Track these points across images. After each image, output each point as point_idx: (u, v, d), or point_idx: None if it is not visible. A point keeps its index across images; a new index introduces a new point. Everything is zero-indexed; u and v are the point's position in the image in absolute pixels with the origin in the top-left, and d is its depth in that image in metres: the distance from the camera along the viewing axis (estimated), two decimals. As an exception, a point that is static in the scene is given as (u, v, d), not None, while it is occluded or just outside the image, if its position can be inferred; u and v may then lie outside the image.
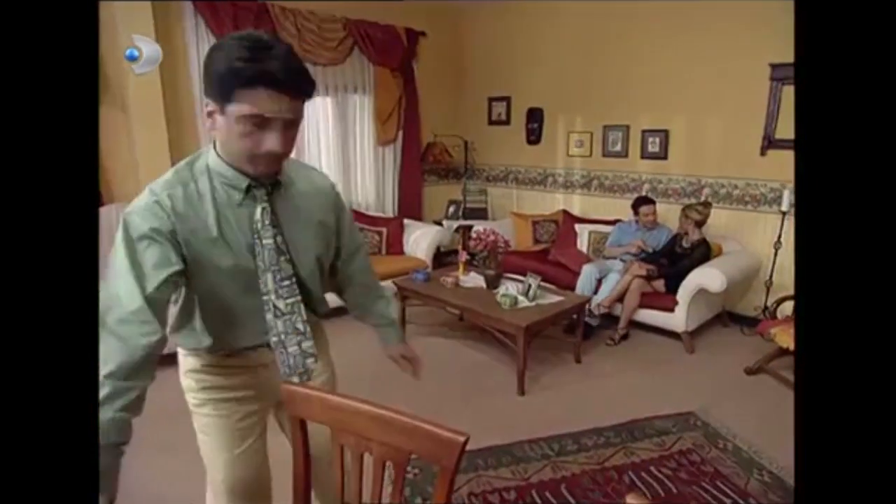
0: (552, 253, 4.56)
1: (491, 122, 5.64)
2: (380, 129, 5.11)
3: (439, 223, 5.36)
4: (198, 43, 3.93)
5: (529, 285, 3.42)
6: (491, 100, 5.58)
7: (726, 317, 4.11)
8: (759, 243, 3.96)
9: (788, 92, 3.64)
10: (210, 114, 1.02)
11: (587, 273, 4.01)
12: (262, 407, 1.33)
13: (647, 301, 3.78)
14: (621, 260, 4.13)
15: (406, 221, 4.93)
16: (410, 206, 5.42)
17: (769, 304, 3.88)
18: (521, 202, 5.50)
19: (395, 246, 4.80)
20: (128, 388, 0.94)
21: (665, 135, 4.35)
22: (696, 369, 3.46)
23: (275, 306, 1.17)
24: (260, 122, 0.98)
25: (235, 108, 0.97)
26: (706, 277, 3.51)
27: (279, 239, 1.14)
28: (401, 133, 5.28)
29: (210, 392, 1.27)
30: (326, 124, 4.87)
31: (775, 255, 3.82)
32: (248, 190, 1.09)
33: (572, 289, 4.02)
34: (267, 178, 1.10)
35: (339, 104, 4.91)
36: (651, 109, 4.40)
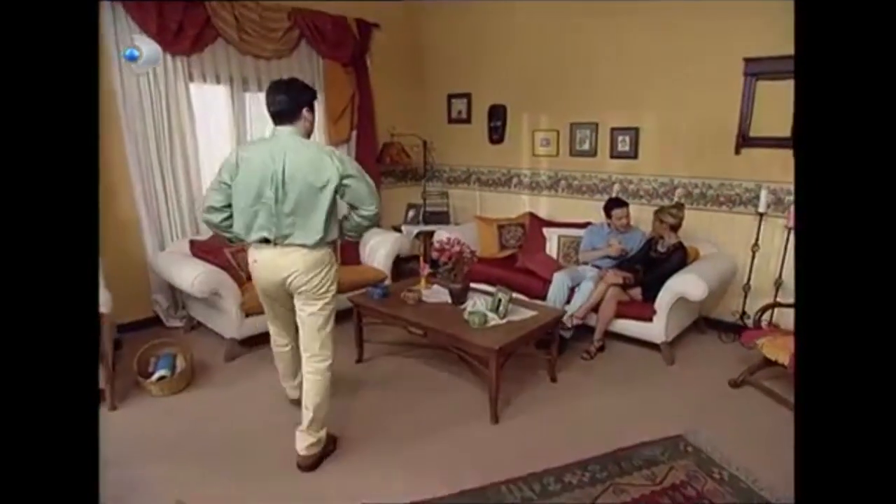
0: (520, 259, 4.31)
1: (451, 121, 5.36)
2: (331, 129, 4.74)
3: (398, 229, 5.05)
4: (116, 35, 3.43)
5: (500, 300, 3.13)
6: (450, 97, 5.31)
7: (703, 323, 3.96)
8: (734, 246, 3.81)
9: (763, 88, 3.50)
10: (308, 113, 2.26)
11: (559, 281, 3.77)
12: None
13: (624, 311, 3.57)
14: (594, 266, 3.92)
15: (362, 228, 4.57)
16: (367, 211, 5.05)
17: (747, 309, 3.76)
18: (484, 205, 5.25)
19: (350, 255, 4.45)
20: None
21: (635, 133, 4.17)
22: (677, 383, 3.26)
23: None
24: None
25: (315, 107, 2.31)
26: (687, 285, 3.32)
27: None
28: (354, 133, 4.93)
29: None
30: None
31: (753, 258, 3.68)
32: None
33: (543, 298, 3.79)
34: None
35: (286, 102, 4.49)
36: (620, 107, 4.21)
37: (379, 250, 4.40)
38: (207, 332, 3.84)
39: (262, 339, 3.65)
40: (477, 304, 3.23)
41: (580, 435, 2.71)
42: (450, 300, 3.35)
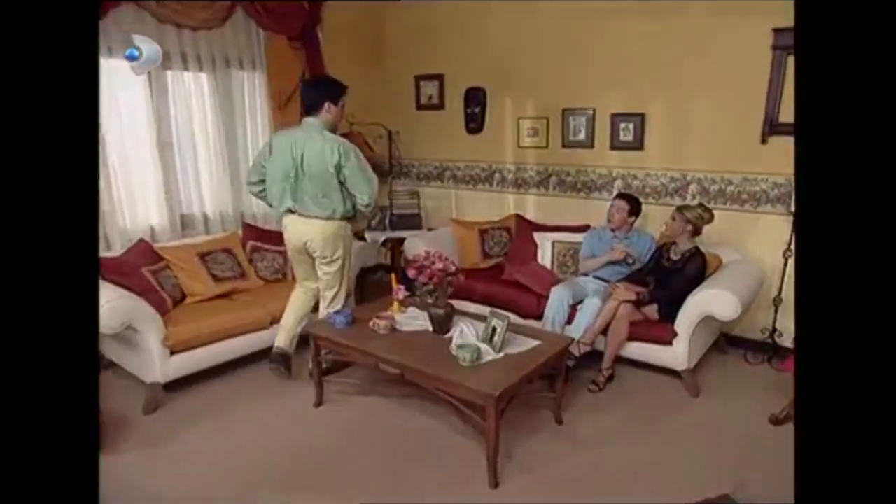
0: (508, 270, 3.92)
1: (420, 107, 4.94)
2: (277, 116, 4.21)
3: (361, 237, 4.58)
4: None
5: (494, 328, 2.69)
6: (419, 78, 4.87)
7: (723, 341, 3.64)
8: (761, 251, 3.52)
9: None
10: (331, 106, 2.87)
11: (558, 298, 3.40)
12: None
13: (638, 332, 3.23)
14: (598, 279, 3.59)
15: (318, 236, 4.08)
16: (322, 215, 4.56)
17: (779, 326, 3.49)
18: (461, 206, 4.86)
19: (304, 270, 3.94)
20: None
21: (640, 119, 3.84)
22: (707, 422, 2.89)
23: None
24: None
25: (342, 102, 2.95)
26: (715, 302, 2.97)
27: None
28: (306, 121, 4.40)
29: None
30: (203, 109, 3.88)
31: (785, 265, 3.39)
32: None
33: (537, 317, 3.47)
34: None
35: (220, 82, 3.94)
36: (622, 88, 3.87)
37: (339, 263, 3.90)
38: (123, 374, 3.25)
39: (193, 381, 3.15)
40: (465, 332, 2.81)
41: (601, 498, 2.31)
42: (430, 327, 2.91)
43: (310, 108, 2.88)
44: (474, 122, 4.64)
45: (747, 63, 3.34)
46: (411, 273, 2.84)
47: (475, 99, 4.59)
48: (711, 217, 3.21)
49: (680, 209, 3.25)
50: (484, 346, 2.64)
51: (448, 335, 2.82)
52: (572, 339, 3.04)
